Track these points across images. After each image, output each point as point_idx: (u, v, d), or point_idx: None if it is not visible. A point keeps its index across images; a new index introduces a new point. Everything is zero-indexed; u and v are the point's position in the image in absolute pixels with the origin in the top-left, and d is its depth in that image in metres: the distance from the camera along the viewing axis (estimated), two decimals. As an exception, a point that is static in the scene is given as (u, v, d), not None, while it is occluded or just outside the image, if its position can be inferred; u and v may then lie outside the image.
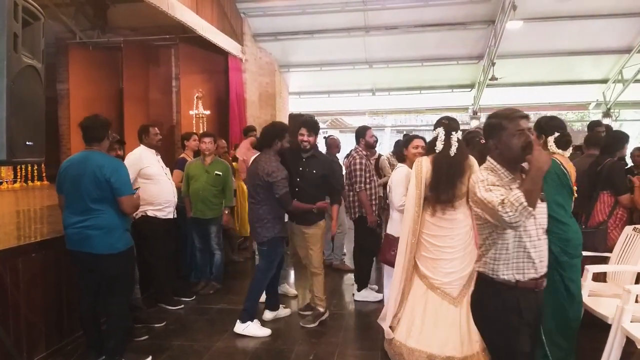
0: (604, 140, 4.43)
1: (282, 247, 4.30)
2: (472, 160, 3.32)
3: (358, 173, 4.87)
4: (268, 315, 4.42)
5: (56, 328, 3.73)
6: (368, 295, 4.99)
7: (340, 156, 6.82)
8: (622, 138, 4.30)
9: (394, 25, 10.19)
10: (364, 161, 4.92)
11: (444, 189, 3.20)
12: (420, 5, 9.45)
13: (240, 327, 4.07)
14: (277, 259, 4.25)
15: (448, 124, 3.32)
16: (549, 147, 3.20)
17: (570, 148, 3.25)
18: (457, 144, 3.27)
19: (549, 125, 3.24)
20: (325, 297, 4.44)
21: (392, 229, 4.20)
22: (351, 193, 5.01)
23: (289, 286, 5.30)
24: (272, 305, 4.48)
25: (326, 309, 4.45)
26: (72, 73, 10.01)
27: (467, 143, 3.80)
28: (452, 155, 3.25)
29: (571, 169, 3.18)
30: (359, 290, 5.05)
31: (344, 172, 5.30)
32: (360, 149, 5.05)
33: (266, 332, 4.10)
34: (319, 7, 9.62)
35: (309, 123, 4.27)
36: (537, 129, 3.30)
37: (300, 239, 4.39)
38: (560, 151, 3.18)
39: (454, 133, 3.28)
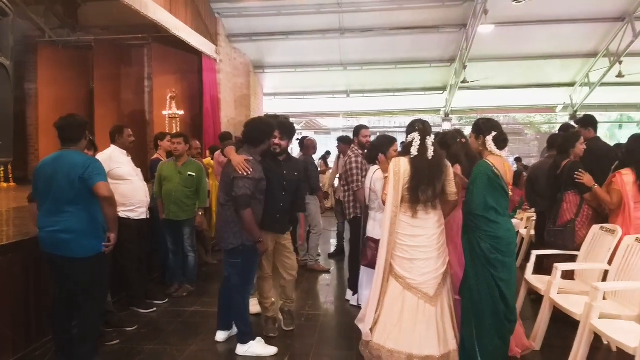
0: (558, 141, 4.63)
1: (257, 257, 3.82)
2: (447, 161, 3.39)
3: (355, 172, 4.74)
4: (221, 335, 3.97)
5: (24, 333, 3.62)
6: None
7: (316, 157, 6.83)
8: (571, 137, 4.47)
9: (368, 28, 10.28)
10: (359, 159, 4.79)
11: (424, 190, 3.24)
12: (394, 8, 9.56)
13: (242, 349, 3.72)
14: (254, 270, 3.89)
15: (423, 129, 3.37)
16: (487, 147, 3.28)
17: (507, 147, 3.33)
18: (432, 147, 3.33)
19: (487, 126, 3.33)
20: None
21: (373, 231, 4.19)
22: (347, 193, 4.90)
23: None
24: (225, 324, 4.00)
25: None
26: (41, 72, 9.78)
27: (442, 145, 3.86)
28: (430, 158, 3.30)
29: (506, 170, 3.26)
30: (354, 294, 4.82)
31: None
32: (355, 148, 4.98)
33: (272, 350, 3.74)
34: (294, 9, 9.64)
35: (285, 126, 4.05)
36: (474, 130, 3.41)
37: (272, 249, 4.02)
38: (497, 151, 3.27)
39: (428, 137, 3.35)
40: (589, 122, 4.99)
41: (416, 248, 3.28)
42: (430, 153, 3.30)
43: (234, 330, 3.92)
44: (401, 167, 3.33)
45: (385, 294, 3.35)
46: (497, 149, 3.27)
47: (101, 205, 3.23)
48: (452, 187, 3.35)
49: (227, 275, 3.85)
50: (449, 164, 3.39)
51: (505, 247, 3.19)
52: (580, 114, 12.43)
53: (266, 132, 3.76)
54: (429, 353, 3.17)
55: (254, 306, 4.24)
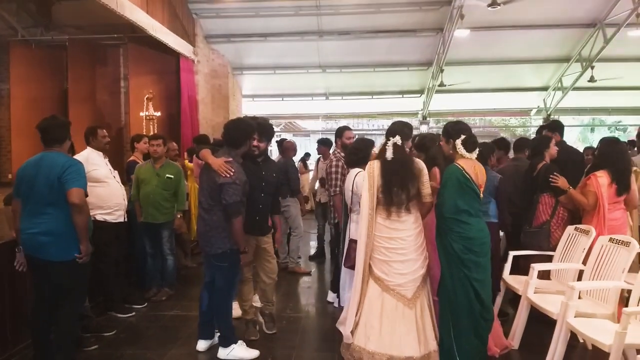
0: (532, 144, 4.74)
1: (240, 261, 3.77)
2: (420, 163, 3.38)
3: (333, 176, 4.78)
4: (202, 345, 3.85)
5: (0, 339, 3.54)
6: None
7: (295, 159, 6.81)
8: (544, 140, 4.59)
9: (346, 31, 10.32)
10: (340, 163, 4.80)
11: (397, 192, 3.26)
12: (372, 12, 9.62)
13: (224, 353, 3.68)
14: (238, 274, 3.86)
15: (391, 130, 3.41)
16: (457, 150, 3.33)
17: (477, 150, 3.37)
18: (392, 148, 3.33)
19: (455, 129, 3.38)
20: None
21: (355, 233, 4.19)
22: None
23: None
24: (206, 332, 3.89)
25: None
26: (13, 72, 9.52)
27: (420, 148, 3.89)
28: (388, 159, 3.32)
29: (477, 173, 3.30)
30: (337, 296, 4.73)
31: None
32: (338, 150, 4.97)
33: (254, 353, 3.72)
34: (272, 10, 9.61)
35: (263, 127, 4.02)
36: (444, 134, 3.47)
37: (252, 252, 3.96)
38: (468, 154, 3.31)
39: (391, 138, 3.36)
40: (557, 127, 5.14)
41: (393, 250, 3.30)
42: (389, 154, 3.31)
43: (216, 339, 3.87)
44: (374, 169, 3.36)
45: (365, 296, 3.36)
46: (466, 151, 3.31)
47: (71, 212, 3.13)
48: (427, 189, 3.36)
49: (209, 280, 3.81)
50: (423, 166, 3.39)
51: (479, 247, 3.23)
52: (554, 117, 12.76)
53: (247, 132, 3.72)
54: (409, 354, 3.19)
55: (235, 310, 4.21)
